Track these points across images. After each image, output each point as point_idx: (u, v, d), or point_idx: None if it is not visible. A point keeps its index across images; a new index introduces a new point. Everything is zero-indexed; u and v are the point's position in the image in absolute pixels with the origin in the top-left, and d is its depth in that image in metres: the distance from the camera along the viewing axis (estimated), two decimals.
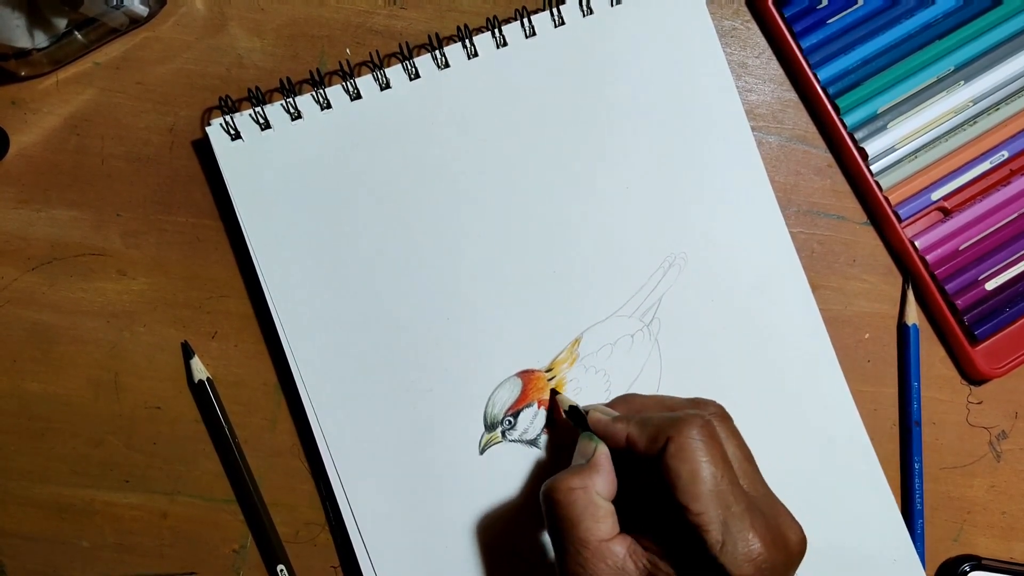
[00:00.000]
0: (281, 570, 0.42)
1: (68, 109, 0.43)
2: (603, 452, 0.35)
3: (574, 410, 0.38)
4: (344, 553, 0.42)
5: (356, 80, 0.42)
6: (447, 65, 0.42)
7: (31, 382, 0.43)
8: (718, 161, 0.43)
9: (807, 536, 0.33)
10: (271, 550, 0.42)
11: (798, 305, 0.43)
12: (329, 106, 0.42)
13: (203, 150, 0.43)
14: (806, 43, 0.44)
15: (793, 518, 0.33)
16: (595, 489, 0.33)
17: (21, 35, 0.40)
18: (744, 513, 0.31)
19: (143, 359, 0.43)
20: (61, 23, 0.41)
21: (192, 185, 0.43)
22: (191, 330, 0.43)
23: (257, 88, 0.41)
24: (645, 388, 0.42)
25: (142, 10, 0.42)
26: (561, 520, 0.33)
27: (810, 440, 0.42)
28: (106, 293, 0.43)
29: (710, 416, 0.34)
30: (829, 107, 0.44)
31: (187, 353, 0.42)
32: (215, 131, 0.41)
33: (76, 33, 0.41)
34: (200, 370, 0.42)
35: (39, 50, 0.41)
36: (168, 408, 0.43)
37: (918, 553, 0.43)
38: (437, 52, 0.42)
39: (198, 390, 0.42)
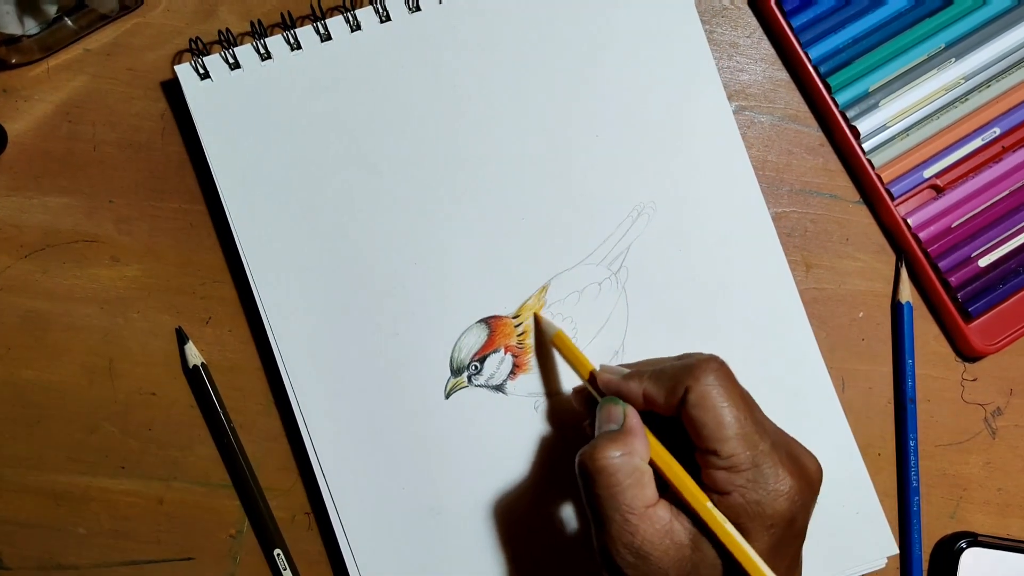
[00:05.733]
0: (278, 554, 0.42)
1: (59, 96, 0.43)
2: (633, 414, 0.34)
3: (591, 377, 0.37)
4: (316, 505, 0.42)
5: (327, 21, 0.41)
6: (418, 8, 0.42)
7: (25, 369, 0.42)
8: (687, 111, 0.43)
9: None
10: (268, 535, 0.42)
11: (766, 255, 0.43)
12: (299, 46, 0.42)
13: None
14: (797, 22, 0.44)
15: (805, 448, 0.33)
16: (638, 454, 0.33)
17: (11, 22, 0.40)
18: (771, 450, 0.31)
19: (137, 345, 0.43)
20: (51, 9, 0.40)
21: (184, 171, 0.43)
22: (185, 316, 0.43)
23: (227, 30, 0.41)
24: (612, 336, 0.42)
25: None
26: (605, 488, 0.32)
27: (776, 390, 0.42)
28: (99, 280, 0.43)
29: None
30: (821, 86, 0.44)
31: (181, 339, 0.42)
32: (184, 70, 0.41)
33: (66, 19, 0.41)
34: (194, 356, 0.42)
35: (29, 37, 0.41)
36: (163, 394, 0.43)
37: (914, 530, 0.43)
38: None
39: (193, 376, 0.42)
